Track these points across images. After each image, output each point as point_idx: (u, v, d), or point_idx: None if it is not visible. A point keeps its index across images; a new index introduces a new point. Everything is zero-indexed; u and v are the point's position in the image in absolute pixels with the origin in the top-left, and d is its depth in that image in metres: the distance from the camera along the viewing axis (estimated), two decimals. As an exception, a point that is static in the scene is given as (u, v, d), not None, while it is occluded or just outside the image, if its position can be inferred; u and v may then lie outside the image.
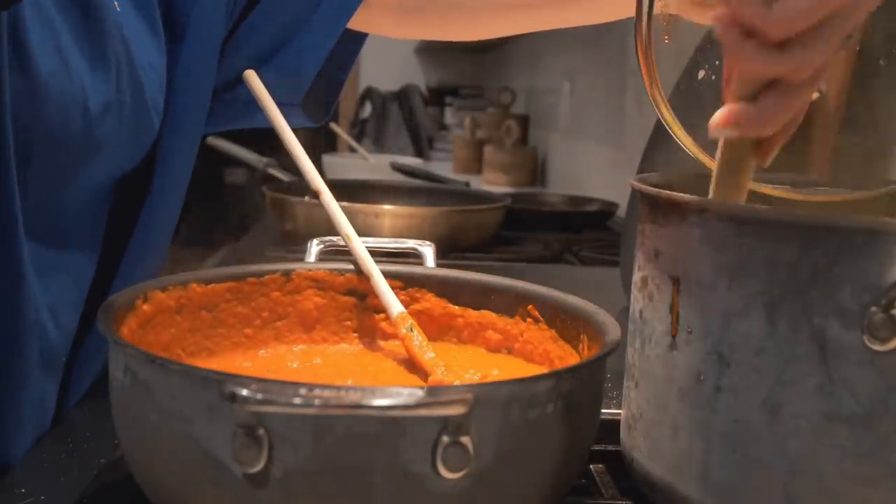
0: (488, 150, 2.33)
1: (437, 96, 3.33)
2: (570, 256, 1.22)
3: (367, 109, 3.31)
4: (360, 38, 0.77)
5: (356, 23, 0.73)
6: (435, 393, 0.34)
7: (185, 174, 0.66)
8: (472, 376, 0.53)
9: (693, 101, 0.87)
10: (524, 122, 2.52)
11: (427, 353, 0.53)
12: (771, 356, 0.39)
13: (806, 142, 0.57)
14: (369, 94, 3.33)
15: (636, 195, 0.51)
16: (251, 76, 0.58)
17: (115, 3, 0.57)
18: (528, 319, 0.54)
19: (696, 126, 0.85)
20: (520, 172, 2.27)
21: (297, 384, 0.33)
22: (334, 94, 0.79)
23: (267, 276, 0.56)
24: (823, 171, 0.49)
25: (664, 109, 0.48)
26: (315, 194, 0.57)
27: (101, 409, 0.58)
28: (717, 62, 0.84)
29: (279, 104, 0.61)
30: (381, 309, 0.57)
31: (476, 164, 2.49)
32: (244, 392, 0.33)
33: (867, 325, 0.36)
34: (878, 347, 0.36)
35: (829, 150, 0.54)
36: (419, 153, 2.96)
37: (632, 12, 0.47)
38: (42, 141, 0.52)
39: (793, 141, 0.39)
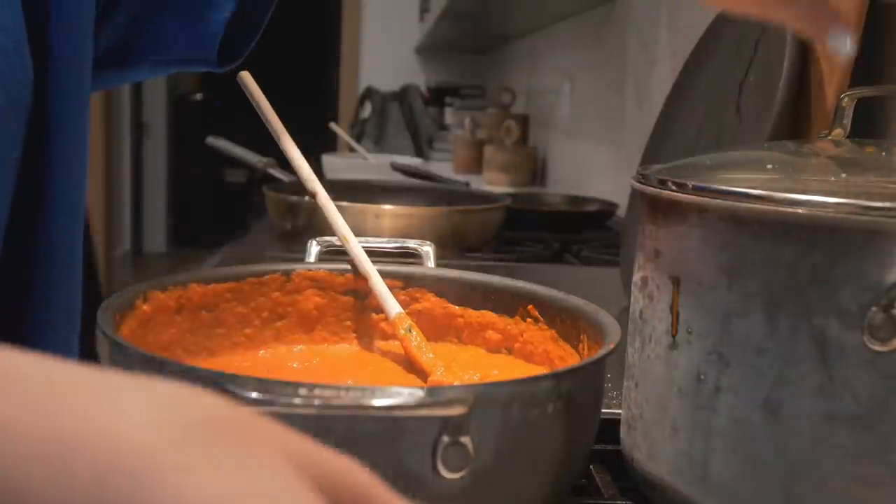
0: (488, 150, 2.33)
1: (437, 96, 3.33)
2: (570, 256, 1.22)
3: (367, 109, 3.31)
4: None
5: None
6: (435, 393, 0.34)
7: (80, 132, 0.59)
8: (472, 376, 0.53)
9: (692, 99, 0.87)
10: (524, 121, 2.52)
11: (426, 353, 0.53)
12: (771, 356, 0.39)
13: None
14: (369, 94, 3.33)
15: (636, 195, 0.51)
16: (246, 77, 0.58)
17: None
18: (528, 319, 0.54)
19: (694, 125, 0.85)
20: (520, 172, 2.27)
21: (297, 384, 0.33)
22: (250, 38, 0.69)
23: (267, 276, 0.56)
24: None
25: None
26: (312, 195, 0.57)
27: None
28: (716, 63, 0.84)
29: (185, 61, 0.59)
30: (380, 309, 0.57)
31: (476, 164, 2.49)
32: (244, 392, 0.33)
33: (867, 325, 0.36)
34: (878, 347, 0.36)
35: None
36: (419, 153, 2.96)
37: None
38: None
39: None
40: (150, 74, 0.71)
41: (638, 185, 0.46)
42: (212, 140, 1.56)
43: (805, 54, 0.70)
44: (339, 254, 0.58)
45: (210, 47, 0.66)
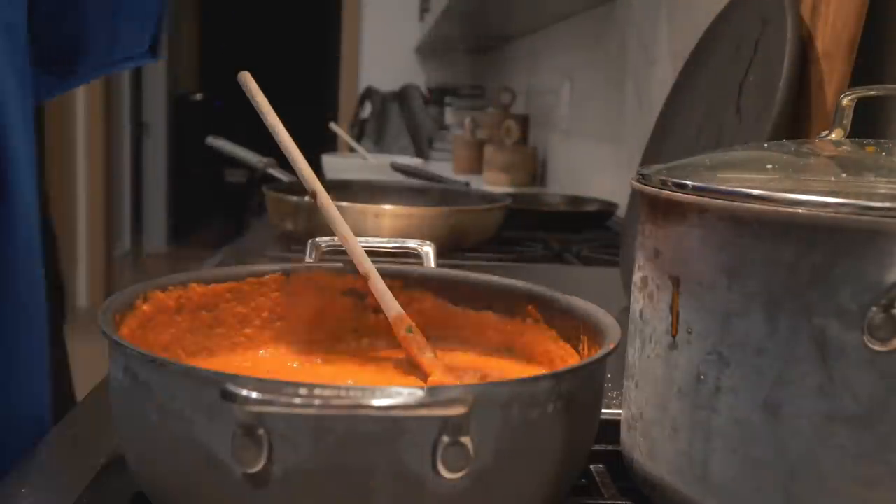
0: (488, 150, 2.33)
1: (437, 96, 3.33)
2: (570, 256, 1.22)
3: (367, 109, 3.31)
4: None
5: None
6: (435, 393, 0.34)
7: (27, 142, 0.60)
8: (473, 376, 0.53)
9: (692, 99, 0.87)
10: (524, 122, 2.52)
11: (426, 353, 0.53)
12: (771, 356, 0.39)
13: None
14: (369, 94, 3.33)
15: (636, 195, 0.51)
16: (246, 77, 0.58)
17: None
18: (528, 319, 0.54)
19: (694, 125, 0.85)
20: (520, 172, 2.27)
21: (297, 384, 0.33)
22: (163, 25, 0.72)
23: (267, 276, 0.56)
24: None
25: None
26: (312, 195, 0.57)
27: (101, 409, 0.58)
28: (716, 63, 0.84)
29: (127, 59, 0.59)
30: (380, 309, 0.56)
31: (476, 164, 2.49)
32: (244, 392, 0.33)
33: (867, 325, 0.36)
34: (878, 347, 0.36)
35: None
36: (419, 153, 2.96)
37: None
38: None
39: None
40: (86, 80, 0.72)
41: (638, 185, 0.46)
42: (212, 140, 1.56)
43: (805, 54, 0.70)
44: (339, 254, 0.58)
45: (147, 42, 0.67)
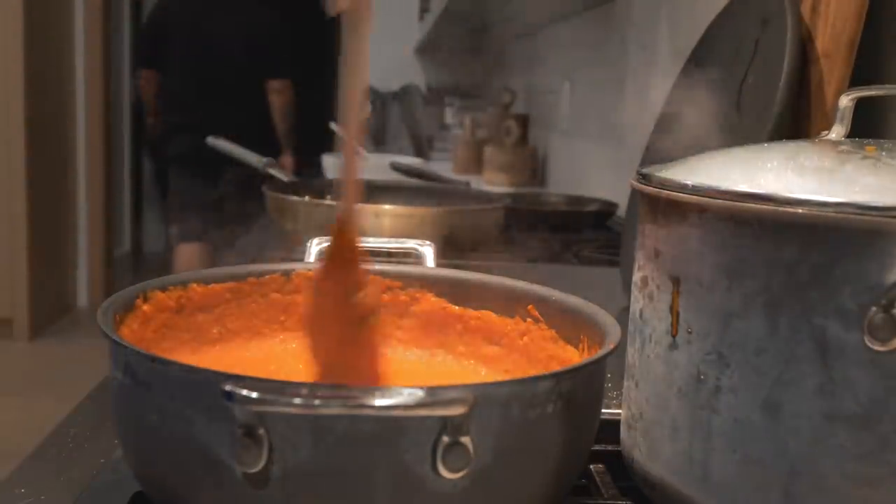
0: (488, 150, 2.33)
1: (437, 96, 3.33)
2: (570, 256, 1.22)
3: (367, 109, 3.30)
4: None
5: None
6: (435, 393, 0.34)
7: None
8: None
9: (692, 99, 0.87)
10: (524, 122, 2.51)
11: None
12: (771, 356, 0.39)
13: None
14: (369, 94, 3.33)
15: (636, 195, 0.51)
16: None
17: None
18: (528, 319, 0.54)
19: (693, 122, 0.85)
20: (520, 172, 2.27)
21: (297, 384, 0.33)
22: None
23: (267, 276, 0.56)
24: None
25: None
26: None
27: (101, 409, 0.58)
28: (716, 63, 0.84)
29: None
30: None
31: (476, 164, 2.49)
32: (244, 392, 0.33)
33: (867, 325, 0.36)
34: (878, 347, 0.36)
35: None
36: (419, 153, 2.96)
37: None
38: None
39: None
40: None
41: (638, 185, 0.46)
42: (212, 140, 1.56)
43: (805, 54, 0.70)
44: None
45: None
